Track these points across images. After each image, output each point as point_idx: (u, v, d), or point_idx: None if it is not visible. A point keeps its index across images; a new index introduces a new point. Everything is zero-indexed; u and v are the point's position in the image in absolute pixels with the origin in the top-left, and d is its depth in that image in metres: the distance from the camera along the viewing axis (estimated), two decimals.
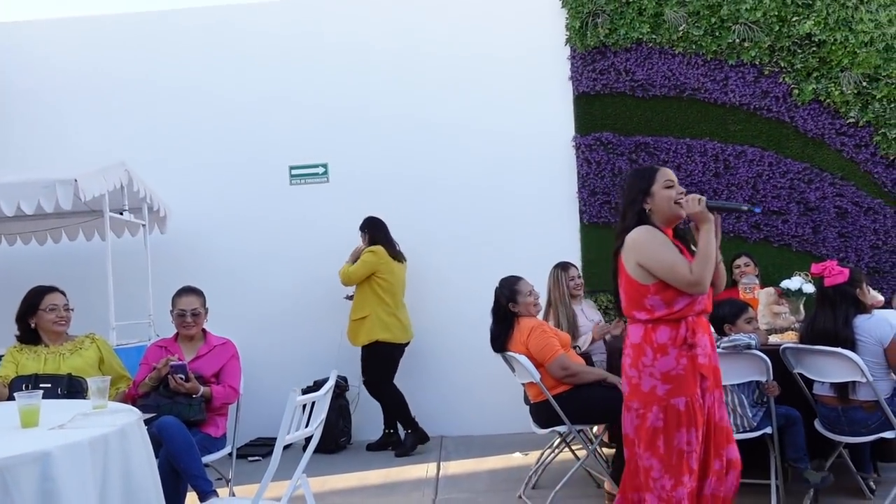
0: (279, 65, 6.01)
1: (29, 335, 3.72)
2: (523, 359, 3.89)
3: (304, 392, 2.97)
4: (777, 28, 5.76)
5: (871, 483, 3.92)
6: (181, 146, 5.97)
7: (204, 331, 4.00)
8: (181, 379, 3.61)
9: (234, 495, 3.91)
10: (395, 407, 5.32)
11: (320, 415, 2.79)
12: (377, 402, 5.43)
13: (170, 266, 5.55)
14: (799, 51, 5.77)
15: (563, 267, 4.82)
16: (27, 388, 3.30)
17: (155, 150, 5.90)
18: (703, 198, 2.71)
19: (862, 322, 3.60)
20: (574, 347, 4.32)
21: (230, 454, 3.93)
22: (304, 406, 2.64)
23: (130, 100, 6.01)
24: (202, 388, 3.70)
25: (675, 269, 2.64)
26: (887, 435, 3.51)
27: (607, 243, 5.49)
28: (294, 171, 5.98)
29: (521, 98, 5.89)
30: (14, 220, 5.24)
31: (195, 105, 6.00)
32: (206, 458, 3.62)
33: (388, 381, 5.33)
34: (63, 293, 3.81)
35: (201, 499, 3.27)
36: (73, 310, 3.83)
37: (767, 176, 5.73)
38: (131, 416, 2.48)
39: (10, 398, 3.15)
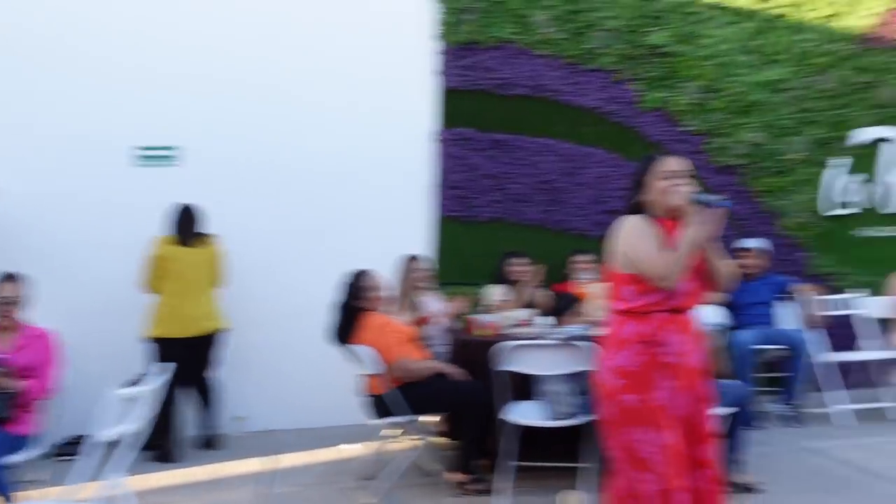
0: (127, 36, 5.50)
1: None
2: (367, 352, 4.08)
3: (130, 385, 2.87)
4: (630, 38, 6.22)
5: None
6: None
7: (20, 321, 3.82)
8: None
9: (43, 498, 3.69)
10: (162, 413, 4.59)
11: (144, 410, 2.69)
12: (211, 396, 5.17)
13: None
14: (648, 60, 6.27)
15: (410, 258, 5.11)
16: None
17: None
18: (689, 191, 2.68)
19: None
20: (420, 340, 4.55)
21: (48, 453, 3.70)
22: (129, 400, 2.56)
23: None
24: (13, 384, 3.54)
25: (645, 261, 2.65)
26: None
27: (462, 237, 5.95)
28: (140, 152, 5.50)
29: (385, 89, 5.84)
30: None
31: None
32: (12, 459, 3.45)
33: (175, 382, 4.70)
34: None
35: None
36: None
37: (612, 177, 6.26)
38: None
39: None
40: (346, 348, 4.27)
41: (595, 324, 4.54)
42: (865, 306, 6.13)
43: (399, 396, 4.10)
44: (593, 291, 5.00)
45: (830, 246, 6.60)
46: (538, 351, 3.99)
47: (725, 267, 2.79)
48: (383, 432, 4.49)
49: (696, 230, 2.61)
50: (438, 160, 6.01)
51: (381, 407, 4.17)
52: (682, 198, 2.66)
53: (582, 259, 5.69)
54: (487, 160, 6.06)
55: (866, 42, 6.56)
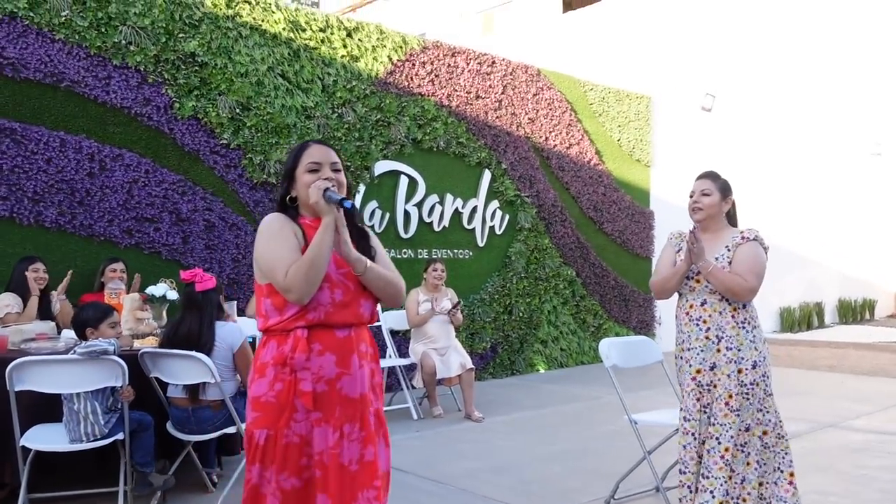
0: None
1: None
2: None
3: None
4: (164, 40, 5.88)
5: (215, 477, 4.25)
6: None
7: None
8: None
9: None
10: None
11: None
12: None
13: None
14: (183, 67, 6.00)
15: None
16: None
17: None
18: (325, 186, 2.26)
19: (218, 328, 3.89)
20: None
21: None
22: None
23: None
24: None
25: (273, 269, 2.22)
26: (230, 430, 3.86)
27: None
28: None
29: None
30: None
31: None
32: None
33: None
34: None
35: None
36: None
37: (143, 183, 5.77)
38: None
39: None
40: None
41: (128, 337, 4.19)
42: (384, 321, 6.66)
43: None
44: (124, 303, 4.55)
45: None
46: (58, 367, 3.54)
47: (379, 278, 2.35)
48: None
49: (323, 232, 2.22)
50: None
51: None
52: (315, 193, 2.24)
53: (113, 268, 5.14)
54: None
55: (382, 85, 7.32)
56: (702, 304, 3.42)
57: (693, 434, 3.35)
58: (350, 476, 2.25)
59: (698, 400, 3.37)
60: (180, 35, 5.98)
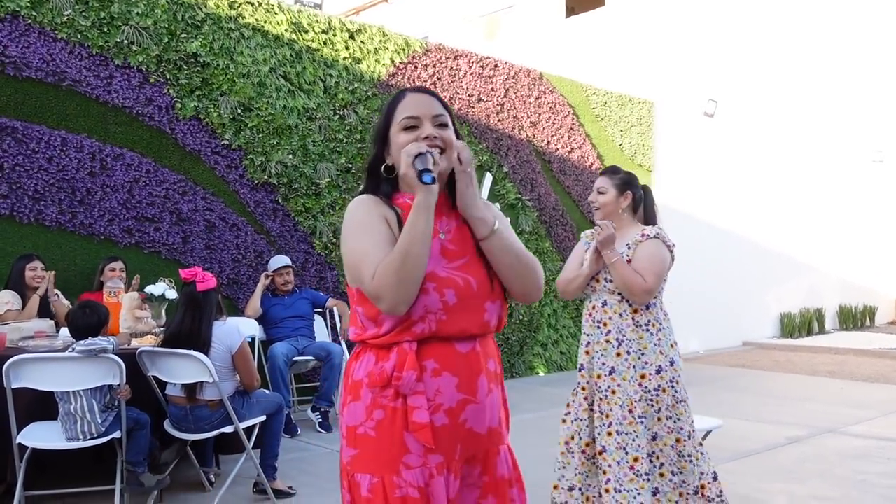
0: None
1: None
2: None
3: None
4: (166, 40, 5.88)
5: (212, 476, 4.25)
6: None
7: None
8: None
9: None
10: None
11: None
12: None
13: None
14: (185, 67, 6.00)
15: None
16: None
17: None
18: (418, 151, 1.65)
19: (216, 328, 3.89)
20: None
21: None
22: None
23: None
24: None
25: (358, 270, 1.66)
26: (227, 429, 3.85)
27: None
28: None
29: None
30: None
31: None
32: None
33: None
34: None
35: None
36: None
37: (144, 182, 5.77)
38: None
39: None
40: None
41: (126, 335, 4.21)
42: None
43: None
44: (123, 302, 4.57)
45: None
46: (56, 365, 3.53)
47: (510, 251, 1.78)
48: None
49: (415, 215, 1.61)
50: None
51: None
52: (406, 161, 1.64)
53: (112, 267, 5.14)
54: None
55: (384, 87, 7.33)
56: (602, 306, 3.22)
57: (573, 437, 3.20)
58: None
59: (585, 399, 3.20)
60: (182, 35, 5.98)
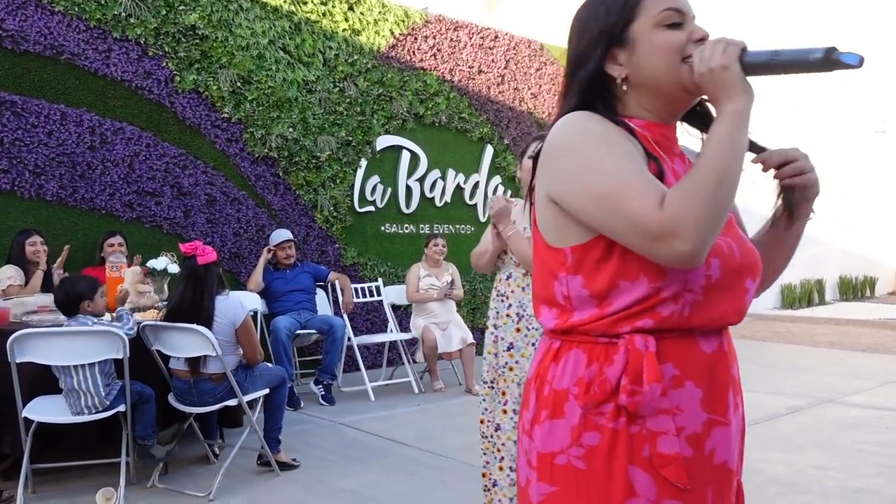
0: None
1: None
2: None
3: None
4: (164, 13, 5.83)
5: (216, 448, 4.29)
6: None
7: None
8: None
9: None
10: None
11: None
12: None
13: None
14: (183, 40, 5.95)
15: None
16: None
17: None
18: (739, 46, 1.17)
19: (219, 302, 3.90)
20: None
21: None
22: None
23: None
24: None
25: (622, 197, 1.13)
26: (230, 403, 3.88)
27: None
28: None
29: None
30: None
31: None
32: None
33: None
34: None
35: None
36: None
37: (145, 156, 5.75)
38: None
39: None
40: None
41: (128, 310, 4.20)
42: (387, 295, 6.68)
43: None
44: (126, 276, 4.58)
45: (357, 239, 7.09)
46: (60, 339, 3.54)
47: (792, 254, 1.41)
48: None
49: (735, 126, 1.14)
50: None
51: None
52: (720, 57, 1.16)
53: (111, 241, 5.14)
54: None
55: (383, 59, 7.27)
56: (507, 279, 3.11)
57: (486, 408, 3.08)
58: None
59: (487, 373, 3.10)
60: (180, 7, 5.92)
